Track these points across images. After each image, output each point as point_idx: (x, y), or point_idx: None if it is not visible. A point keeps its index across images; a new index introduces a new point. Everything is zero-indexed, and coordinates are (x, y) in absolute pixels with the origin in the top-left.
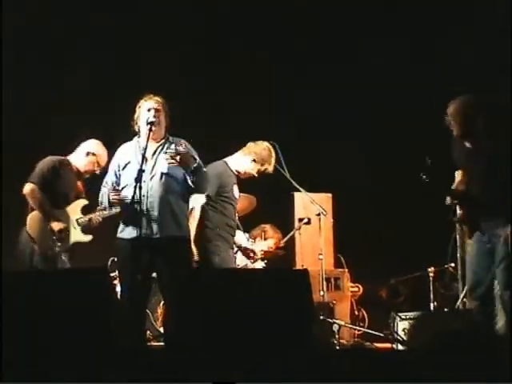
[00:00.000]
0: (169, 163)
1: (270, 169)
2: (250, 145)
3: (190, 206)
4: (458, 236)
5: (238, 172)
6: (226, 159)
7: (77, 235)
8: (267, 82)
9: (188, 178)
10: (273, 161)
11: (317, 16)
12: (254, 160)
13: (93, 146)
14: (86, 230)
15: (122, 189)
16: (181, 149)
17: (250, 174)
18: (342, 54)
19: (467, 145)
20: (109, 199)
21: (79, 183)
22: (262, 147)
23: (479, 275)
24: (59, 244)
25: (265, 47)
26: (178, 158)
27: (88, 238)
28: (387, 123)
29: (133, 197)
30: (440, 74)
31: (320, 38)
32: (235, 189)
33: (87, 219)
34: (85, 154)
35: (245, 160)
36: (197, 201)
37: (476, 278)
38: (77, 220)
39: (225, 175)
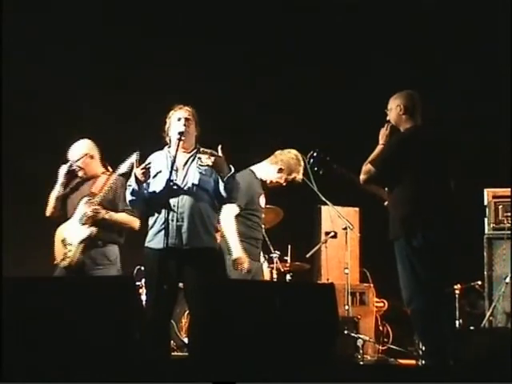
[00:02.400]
0: (202, 165)
1: (299, 177)
2: (278, 153)
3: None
4: (485, 253)
5: (265, 181)
6: (252, 168)
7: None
8: (296, 93)
9: (220, 185)
10: (301, 170)
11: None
12: (281, 169)
13: None
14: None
15: (152, 197)
16: (215, 153)
17: (277, 183)
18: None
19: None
20: (136, 177)
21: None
22: (289, 156)
23: None
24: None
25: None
26: (212, 159)
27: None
28: None
29: (163, 206)
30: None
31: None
32: (262, 199)
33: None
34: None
35: (272, 168)
36: (227, 211)
37: None
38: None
39: (252, 185)
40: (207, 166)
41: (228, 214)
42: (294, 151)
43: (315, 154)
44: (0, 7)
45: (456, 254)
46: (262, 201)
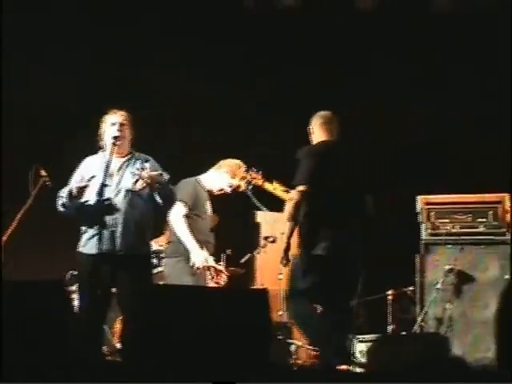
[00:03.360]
0: (138, 188)
1: (243, 185)
2: (222, 162)
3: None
4: (418, 259)
5: (211, 188)
6: (198, 177)
7: None
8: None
9: (156, 196)
10: (243, 175)
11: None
12: (227, 175)
13: None
14: None
15: (84, 203)
16: (148, 171)
17: (223, 190)
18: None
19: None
20: (70, 193)
21: None
22: (234, 163)
23: None
24: None
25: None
26: (146, 180)
27: None
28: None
29: (96, 211)
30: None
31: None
32: (208, 205)
33: None
34: None
35: (217, 176)
36: (176, 212)
37: None
38: None
39: (198, 190)
40: (142, 187)
41: (177, 215)
42: (237, 160)
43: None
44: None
45: (366, 266)
46: (209, 207)
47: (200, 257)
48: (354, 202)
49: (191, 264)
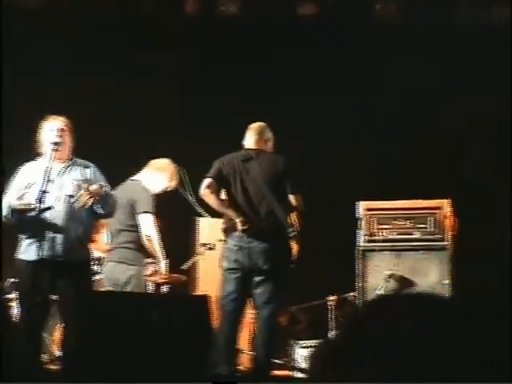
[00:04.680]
0: (82, 205)
1: (175, 184)
2: (156, 162)
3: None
4: (359, 265)
5: (153, 191)
6: (136, 177)
7: None
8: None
9: (97, 208)
10: (177, 176)
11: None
12: (164, 176)
13: None
14: None
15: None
16: (90, 187)
17: (162, 191)
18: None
19: None
20: (11, 207)
21: None
22: (167, 162)
23: None
24: None
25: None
26: (89, 197)
27: None
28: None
29: (35, 218)
30: None
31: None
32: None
33: None
34: None
35: (156, 176)
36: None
37: None
38: None
39: (150, 197)
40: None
41: (151, 225)
42: (167, 160)
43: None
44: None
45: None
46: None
47: (166, 266)
48: (263, 206)
49: (161, 271)
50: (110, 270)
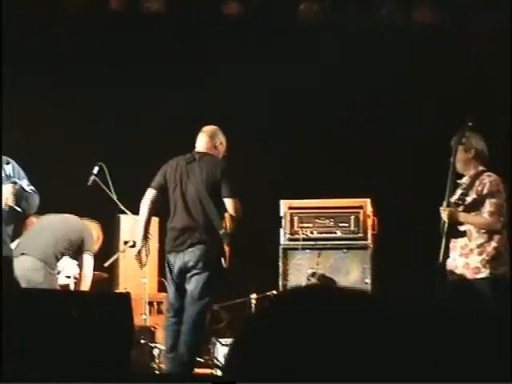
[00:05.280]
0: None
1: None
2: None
3: None
4: (281, 263)
5: None
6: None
7: None
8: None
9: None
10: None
11: None
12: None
13: None
14: None
15: None
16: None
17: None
18: None
19: None
20: None
21: None
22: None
23: None
24: None
25: None
26: (11, 200)
27: None
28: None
29: None
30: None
31: None
32: None
33: None
34: None
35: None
36: None
37: None
38: None
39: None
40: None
41: (91, 269)
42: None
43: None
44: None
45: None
46: None
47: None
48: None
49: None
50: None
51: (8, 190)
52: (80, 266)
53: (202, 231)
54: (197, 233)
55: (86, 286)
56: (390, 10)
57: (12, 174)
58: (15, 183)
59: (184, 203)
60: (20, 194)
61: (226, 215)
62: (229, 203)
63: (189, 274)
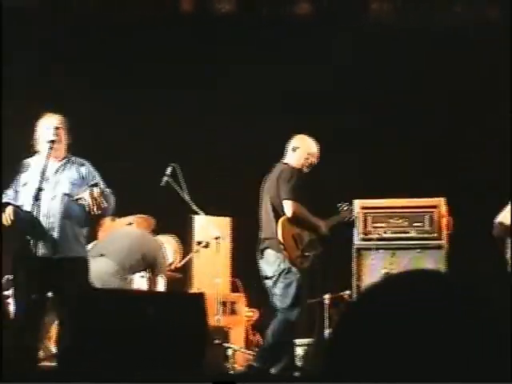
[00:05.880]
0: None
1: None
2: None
3: None
4: (354, 263)
5: None
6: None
7: None
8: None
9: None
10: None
11: None
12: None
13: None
14: None
15: (18, 206)
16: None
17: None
18: None
19: None
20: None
21: None
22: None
23: None
24: None
25: None
26: (93, 205)
27: None
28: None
29: (31, 216)
30: None
31: None
32: None
33: None
34: None
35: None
36: None
37: None
38: None
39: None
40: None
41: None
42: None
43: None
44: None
45: None
46: None
47: None
48: None
49: None
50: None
51: (92, 192)
52: (151, 286)
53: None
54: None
55: None
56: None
57: (87, 176)
58: (96, 185)
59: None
60: (103, 196)
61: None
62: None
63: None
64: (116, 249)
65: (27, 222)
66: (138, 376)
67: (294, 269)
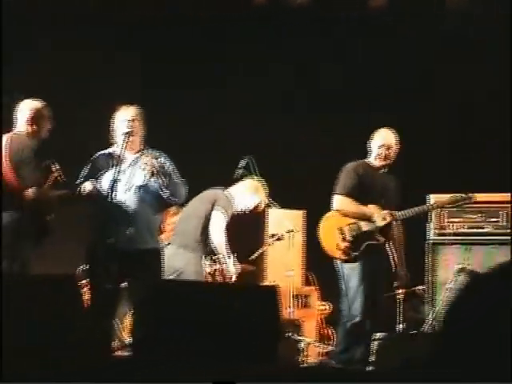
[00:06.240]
0: (146, 175)
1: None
2: (249, 182)
3: None
4: (428, 258)
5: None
6: (228, 190)
7: None
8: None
9: (164, 193)
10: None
11: None
12: (256, 197)
13: None
14: None
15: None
16: (155, 162)
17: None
18: None
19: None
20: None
21: None
22: (253, 184)
23: None
24: None
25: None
26: (152, 169)
27: None
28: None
29: (108, 206)
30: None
31: None
32: None
33: None
34: None
35: (240, 192)
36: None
37: None
38: None
39: (232, 206)
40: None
41: (220, 225)
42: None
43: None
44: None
45: None
46: None
47: (235, 269)
48: None
49: (229, 273)
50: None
51: (153, 163)
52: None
53: None
54: None
55: (220, 246)
56: None
57: (164, 168)
58: (166, 175)
59: None
60: (171, 181)
61: None
62: None
63: None
64: (179, 231)
65: (102, 213)
66: (209, 368)
67: (338, 262)
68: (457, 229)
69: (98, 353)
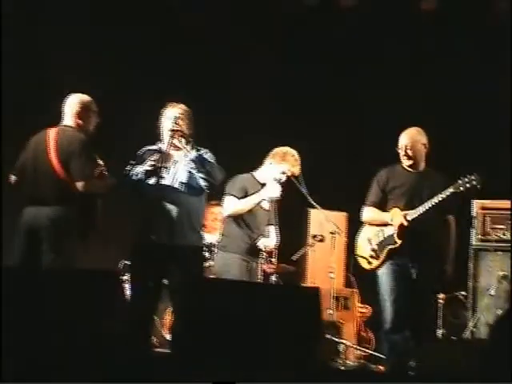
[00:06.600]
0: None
1: (294, 170)
2: (273, 152)
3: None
4: (472, 264)
5: (265, 181)
6: (254, 172)
7: None
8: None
9: (200, 178)
10: (295, 162)
11: None
12: (274, 164)
13: None
14: None
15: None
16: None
17: (277, 180)
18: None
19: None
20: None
21: None
22: (280, 149)
23: None
24: None
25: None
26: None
27: None
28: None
29: (152, 202)
30: None
31: None
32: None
33: None
34: None
35: (266, 167)
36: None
37: None
38: None
39: (245, 187)
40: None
41: (228, 208)
42: (286, 147)
43: None
44: None
45: None
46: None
47: (275, 190)
48: None
49: (266, 197)
50: (218, 257)
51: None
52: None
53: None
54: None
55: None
56: None
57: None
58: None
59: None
60: (203, 159)
61: None
62: None
63: None
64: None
65: (145, 209)
66: (249, 368)
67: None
68: (500, 235)
69: (138, 348)
